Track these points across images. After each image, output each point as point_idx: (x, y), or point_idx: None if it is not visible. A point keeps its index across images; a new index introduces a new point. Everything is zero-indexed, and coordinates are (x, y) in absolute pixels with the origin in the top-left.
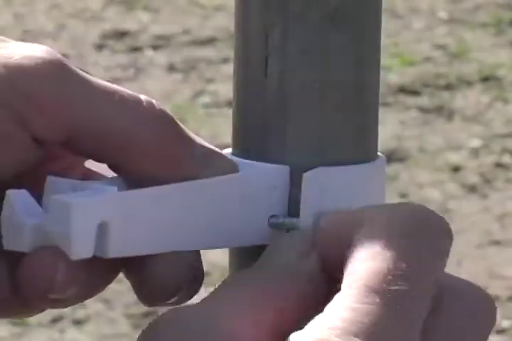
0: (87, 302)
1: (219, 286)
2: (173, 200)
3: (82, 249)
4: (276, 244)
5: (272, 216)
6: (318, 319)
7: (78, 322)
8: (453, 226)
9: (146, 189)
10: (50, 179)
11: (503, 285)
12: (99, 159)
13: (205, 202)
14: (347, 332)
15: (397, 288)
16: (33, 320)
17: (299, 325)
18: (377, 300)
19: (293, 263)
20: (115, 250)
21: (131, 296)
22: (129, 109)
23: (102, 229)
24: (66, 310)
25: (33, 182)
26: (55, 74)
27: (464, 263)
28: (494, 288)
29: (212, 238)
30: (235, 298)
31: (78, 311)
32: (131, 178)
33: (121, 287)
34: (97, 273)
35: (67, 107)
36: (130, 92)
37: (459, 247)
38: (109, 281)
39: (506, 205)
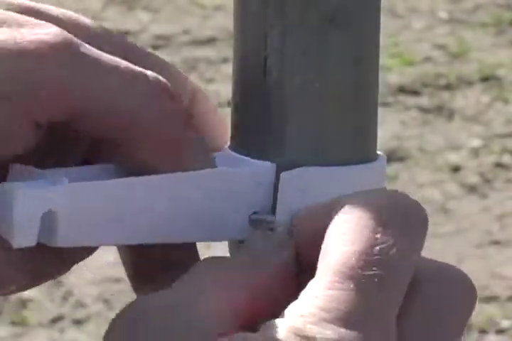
0: (87, 302)
1: (193, 271)
2: (144, 192)
3: (24, 237)
4: (253, 235)
5: (254, 212)
6: (292, 307)
7: (78, 322)
8: (453, 226)
9: (107, 181)
10: (14, 167)
11: (503, 285)
12: (100, 140)
13: (185, 195)
14: (321, 319)
15: (371, 273)
16: (33, 320)
17: (275, 313)
18: (352, 286)
19: (269, 252)
20: (65, 239)
21: (131, 296)
22: (133, 89)
23: (50, 218)
24: (66, 310)
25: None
26: (58, 57)
27: (464, 263)
28: (494, 288)
29: (192, 231)
30: (210, 285)
31: (78, 311)
32: (127, 163)
33: (121, 287)
34: (46, 263)
35: (69, 90)
36: (138, 69)
37: (459, 247)
38: (60, 271)
39: (506, 205)
